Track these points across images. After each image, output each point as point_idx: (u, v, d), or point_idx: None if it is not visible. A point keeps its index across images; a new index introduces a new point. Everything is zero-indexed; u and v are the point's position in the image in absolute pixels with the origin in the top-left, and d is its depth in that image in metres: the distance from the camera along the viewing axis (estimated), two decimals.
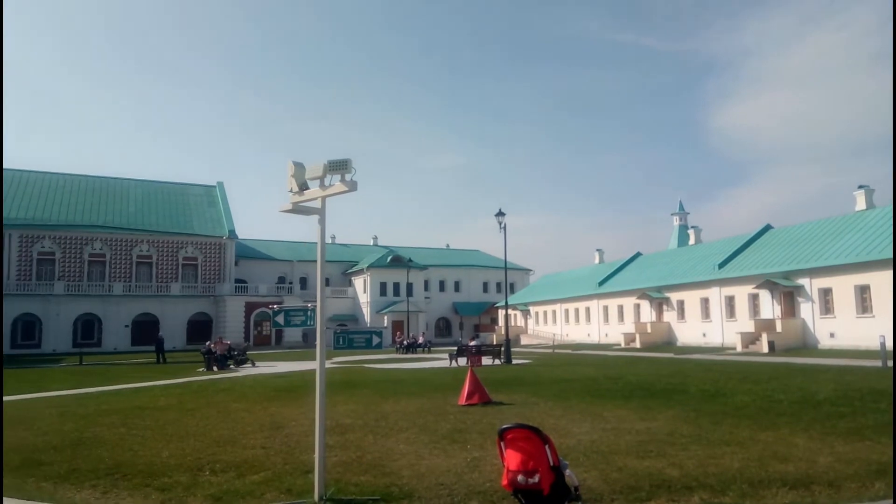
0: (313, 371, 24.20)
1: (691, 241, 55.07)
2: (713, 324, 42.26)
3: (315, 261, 67.11)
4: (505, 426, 4.83)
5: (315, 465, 6.62)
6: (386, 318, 62.76)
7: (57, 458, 8.88)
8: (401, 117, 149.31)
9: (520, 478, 4.69)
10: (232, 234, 60.83)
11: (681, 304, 45.70)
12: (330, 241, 71.37)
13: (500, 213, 29.40)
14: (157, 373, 26.19)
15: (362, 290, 66.96)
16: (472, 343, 28.97)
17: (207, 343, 31.66)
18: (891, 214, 32.14)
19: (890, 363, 19.43)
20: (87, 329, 53.33)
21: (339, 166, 6.54)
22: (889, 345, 23.21)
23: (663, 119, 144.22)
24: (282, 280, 65.64)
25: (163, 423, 11.76)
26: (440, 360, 30.81)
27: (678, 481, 6.74)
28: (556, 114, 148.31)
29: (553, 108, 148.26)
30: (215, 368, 27.43)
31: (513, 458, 4.74)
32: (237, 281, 60.68)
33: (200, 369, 27.62)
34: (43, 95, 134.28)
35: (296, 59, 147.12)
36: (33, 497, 7.01)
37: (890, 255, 28.58)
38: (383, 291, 65.71)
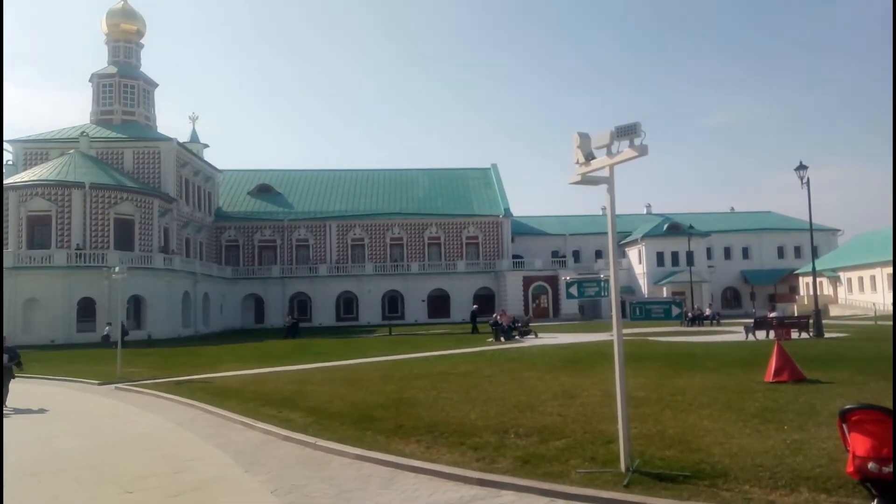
0: (596, 343, 24.16)
1: None
2: None
3: (589, 234, 67.60)
4: (849, 406, 4.22)
5: (619, 436, 6.58)
6: (665, 289, 59.99)
7: (385, 415, 10.26)
8: (671, 72, 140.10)
9: (871, 465, 4.07)
10: (507, 212, 63.74)
11: None
12: (600, 212, 70.46)
13: (802, 167, 25.79)
14: (453, 342, 28.72)
15: (637, 260, 64.88)
16: (773, 314, 26.12)
17: (494, 315, 33.72)
18: None
19: None
20: (393, 303, 60.83)
21: (627, 131, 6.33)
22: None
23: None
24: (555, 254, 66.81)
25: (466, 388, 12.83)
26: (732, 334, 28.41)
27: None
28: (869, 37, 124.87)
29: (865, 31, 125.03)
30: (502, 339, 29.13)
31: (860, 443, 4.13)
32: (514, 257, 63.43)
33: (489, 339, 29.57)
34: (349, 102, 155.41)
35: (561, 30, 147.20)
36: (371, 447, 8.21)
37: None
38: (661, 261, 62.87)
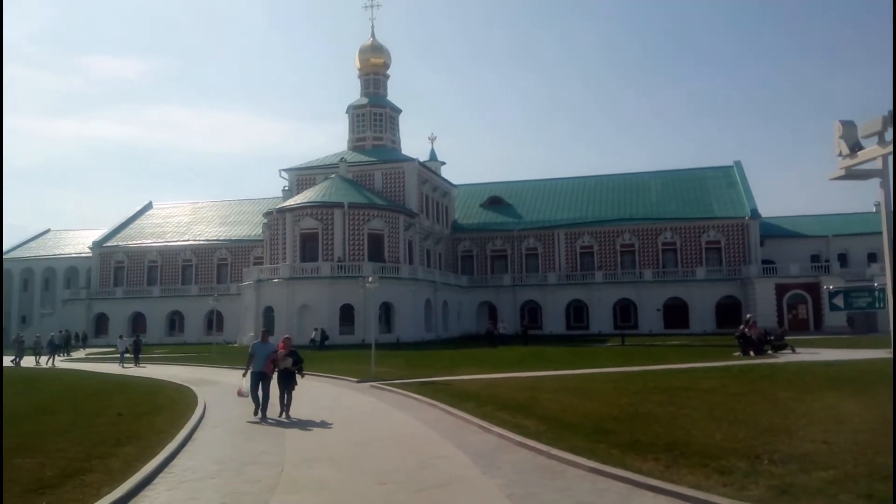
0: (870, 360, 20.74)
1: None
2: None
3: (858, 234, 58.50)
4: None
5: None
6: None
7: (619, 429, 9.95)
8: None
9: None
10: (754, 213, 57.84)
11: None
12: (873, 209, 60.68)
13: None
14: (693, 355, 26.83)
15: None
16: None
17: (741, 327, 30.74)
18: None
19: None
20: (625, 312, 58.74)
21: None
22: None
23: None
24: (815, 258, 59.03)
25: (709, 406, 11.89)
26: None
27: None
28: None
29: None
30: (751, 353, 26.46)
31: None
32: (764, 262, 57.29)
33: (736, 353, 27.08)
34: (573, 110, 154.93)
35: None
36: (606, 461, 8.00)
37: None
38: None
